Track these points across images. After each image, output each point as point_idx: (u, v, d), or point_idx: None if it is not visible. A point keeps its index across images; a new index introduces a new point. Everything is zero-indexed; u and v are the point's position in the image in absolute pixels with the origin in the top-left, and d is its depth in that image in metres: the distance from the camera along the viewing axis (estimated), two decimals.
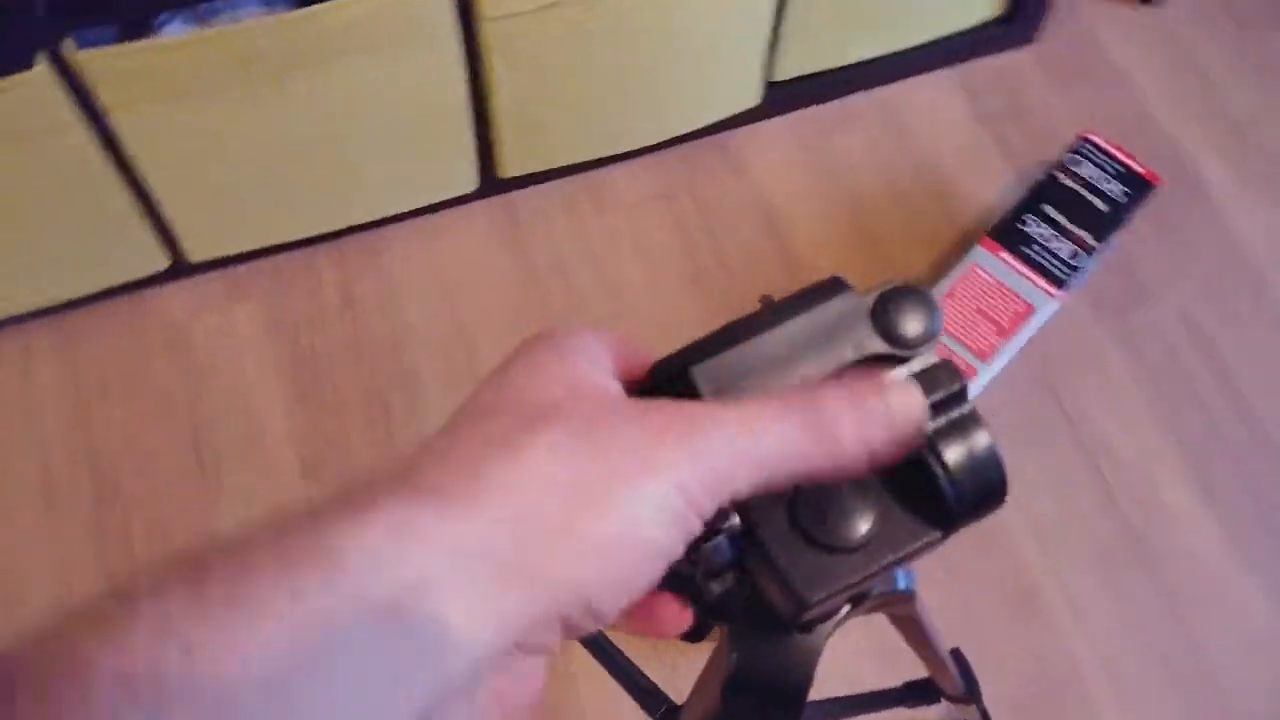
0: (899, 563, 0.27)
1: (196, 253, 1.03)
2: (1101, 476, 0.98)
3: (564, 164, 1.08)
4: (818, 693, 0.89)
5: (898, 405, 0.25)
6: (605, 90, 1.02)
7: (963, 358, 0.95)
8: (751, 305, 0.31)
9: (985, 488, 0.27)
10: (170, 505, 0.98)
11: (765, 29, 1.03)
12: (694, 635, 0.41)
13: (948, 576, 0.95)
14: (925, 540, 0.28)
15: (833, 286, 0.28)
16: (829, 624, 0.41)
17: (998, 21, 1.18)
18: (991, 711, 0.86)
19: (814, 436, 0.24)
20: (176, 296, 1.07)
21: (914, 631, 0.57)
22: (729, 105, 1.11)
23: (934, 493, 0.27)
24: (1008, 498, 0.29)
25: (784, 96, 1.14)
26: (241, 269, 1.08)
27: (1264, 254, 1.10)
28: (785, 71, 1.11)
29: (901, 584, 0.44)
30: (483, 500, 0.22)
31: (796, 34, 1.05)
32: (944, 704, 0.85)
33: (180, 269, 1.04)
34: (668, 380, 0.27)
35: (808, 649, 0.43)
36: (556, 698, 0.92)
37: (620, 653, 0.78)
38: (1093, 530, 0.96)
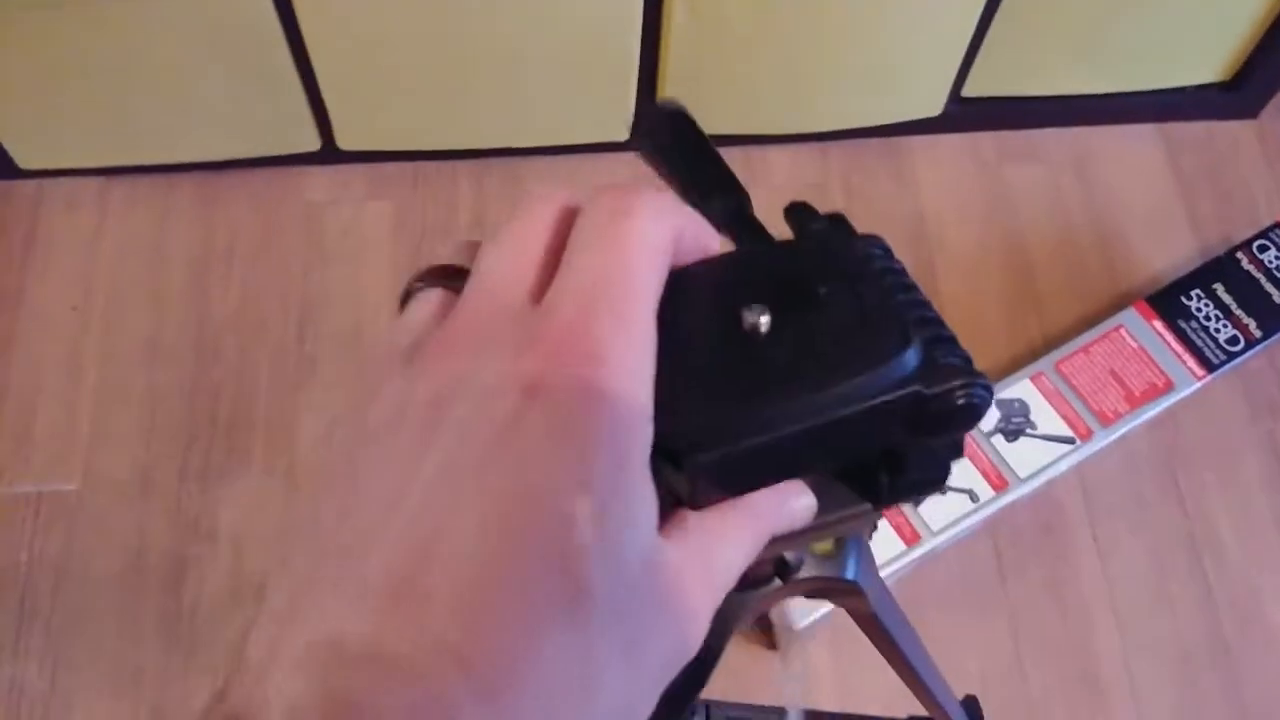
0: (824, 527, 0.28)
1: (346, 141, 1.07)
2: (1204, 575, 0.93)
3: (723, 132, 1.07)
4: (809, 702, 0.85)
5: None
6: (786, 62, 1.00)
7: (1080, 417, 0.90)
8: None
9: (924, 479, 0.28)
10: (262, 379, 1.02)
11: (966, 37, 1.00)
12: None
13: (1009, 627, 0.91)
14: (854, 510, 0.28)
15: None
16: (754, 594, 0.39)
17: (1220, 86, 1.11)
18: None
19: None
20: (318, 180, 1.11)
21: (882, 642, 0.53)
22: (909, 109, 1.09)
23: (869, 471, 0.28)
24: (947, 491, 0.28)
25: (969, 113, 1.11)
26: (386, 167, 1.12)
27: None
28: (976, 87, 1.08)
29: (849, 573, 0.41)
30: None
31: (998, 49, 1.02)
32: None
33: (328, 154, 1.09)
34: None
35: (723, 614, 0.40)
36: None
37: None
38: (1181, 627, 0.91)
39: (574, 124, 1.09)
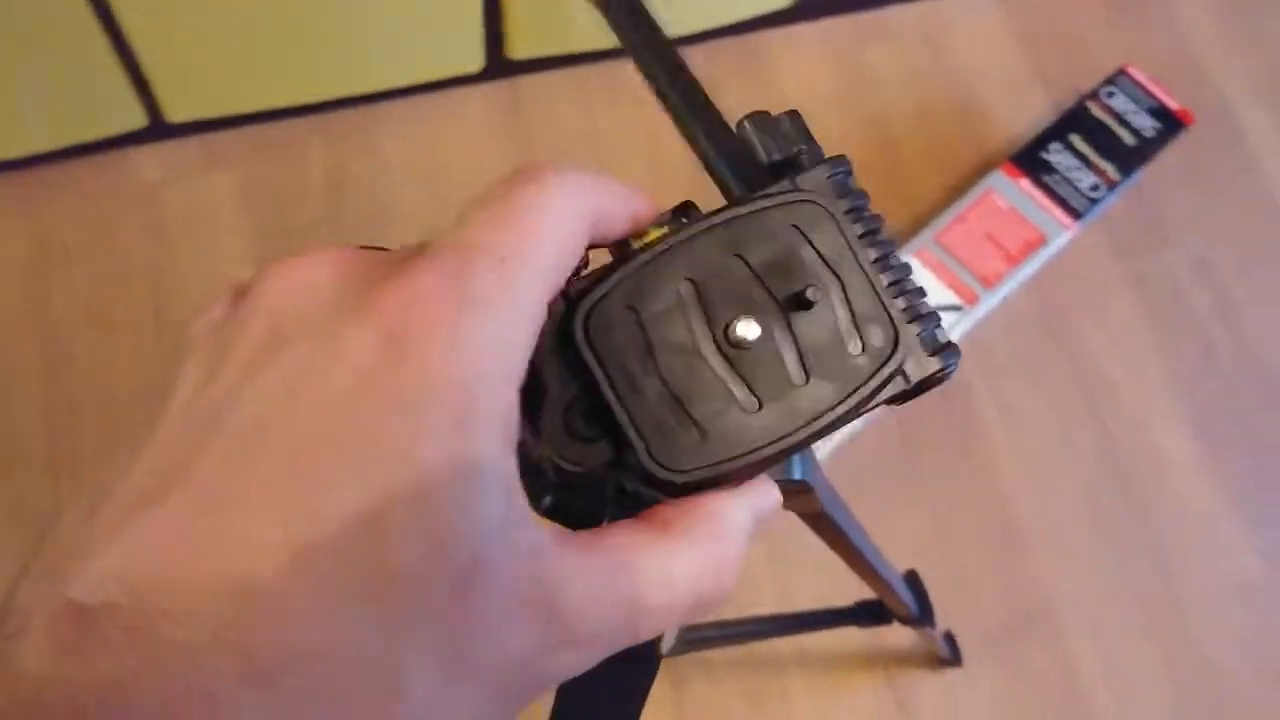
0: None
1: (176, 112, 1.05)
2: (1097, 415, 1.02)
3: (579, 50, 1.09)
4: (755, 609, 0.92)
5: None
6: None
7: (966, 283, 0.98)
8: None
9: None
10: (125, 381, 1.00)
11: None
12: (581, 524, 0.42)
13: (928, 500, 0.98)
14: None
15: None
16: None
17: None
18: (960, 639, 0.90)
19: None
20: (151, 158, 1.09)
21: (831, 535, 0.57)
22: (759, 3, 1.12)
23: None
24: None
25: (818, 1, 1.15)
26: (224, 135, 1.10)
27: None
28: None
29: (796, 473, 0.42)
30: None
31: None
32: (912, 632, 0.88)
33: (157, 129, 1.07)
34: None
35: None
36: None
37: None
38: (1083, 468, 1.00)
39: (424, 60, 1.09)
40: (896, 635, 0.92)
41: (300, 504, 0.20)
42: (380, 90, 1.11)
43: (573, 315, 0.28)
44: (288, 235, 1.08)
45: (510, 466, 0.22)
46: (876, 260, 0.30)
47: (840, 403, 0.28)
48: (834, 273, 0.29)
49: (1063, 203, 1.03)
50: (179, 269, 1.06)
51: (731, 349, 0.28)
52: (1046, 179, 1.04)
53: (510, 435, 0.22)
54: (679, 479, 0.27)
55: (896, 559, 0.71)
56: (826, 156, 0.31)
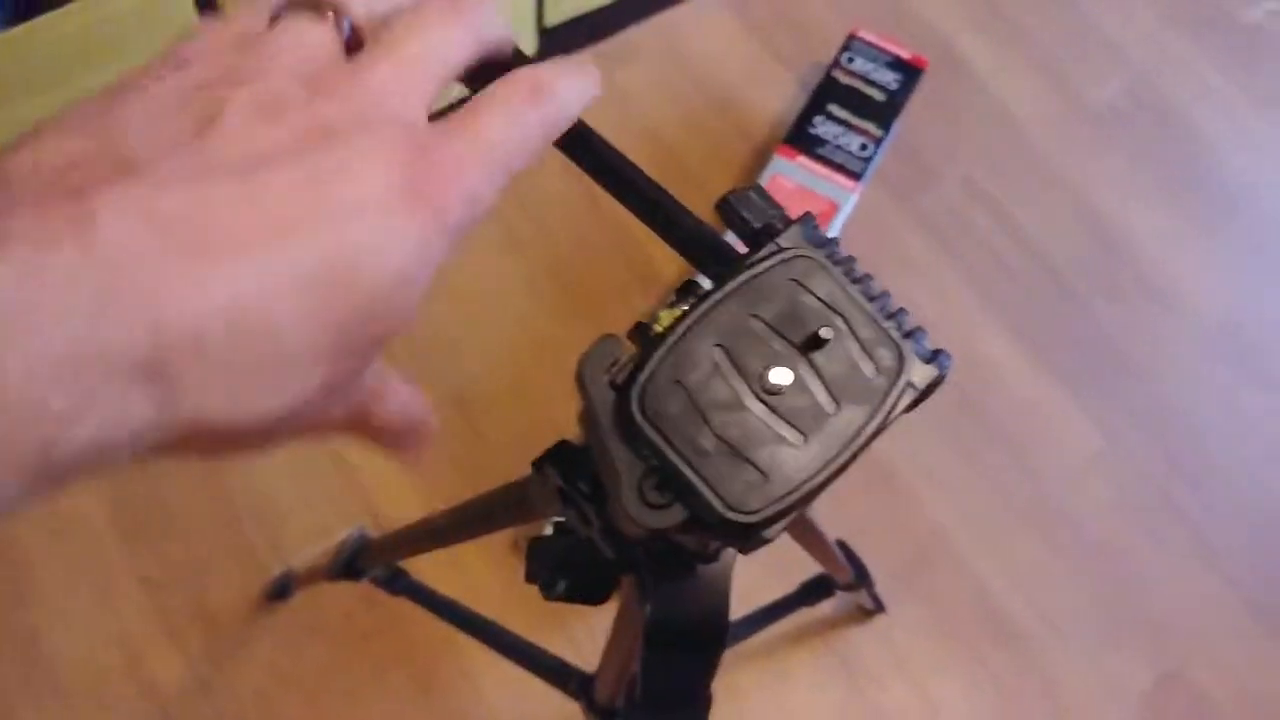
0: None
1: None
2: None
3: None
4: None
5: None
6: None
7: None
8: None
9: None
10: None
11: None
12: (596, 596, 0.45)
13: None
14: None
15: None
16: None
17: None
18: (875, 587, 0.97)
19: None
20: None
21: (799, 520, 0.62)
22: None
23: None
24: None
25: (560, 41, 1.20)
26: None
27: (1027, 114, 1.26)
28: (558, 15, 1.17)
29: None
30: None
31: None
32: (839, 596, 0.95)
33: None
34: None
35: (718, 575, 0.46)
36: (460, 701, 0.96)
37: (515, 635, 0.82)
38: (927, 406, 1.09)
39: None
40: (820, 607, 0.98)
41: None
42: None
43: (628, 400, 0.32)
44: None
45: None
46: (864, 293, 0.35)
47: (870, 420, 0.33)
48: (836, 311, 0.34)
49: (841, 168, 1.12)
50: None
51: (770, 396, 0.33)
52: (820, 151, 1.13)
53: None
54: (754, 518, 0.31)
55: None
56: (793, 217, 0.36)
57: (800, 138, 1.14)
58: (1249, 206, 1.25)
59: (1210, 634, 1.05)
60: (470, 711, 0.97)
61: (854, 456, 0.33)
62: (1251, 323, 1.19)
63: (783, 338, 0.33)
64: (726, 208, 0.36)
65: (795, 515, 0.33)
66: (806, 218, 0.36)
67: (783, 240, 0.35)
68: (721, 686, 0.99)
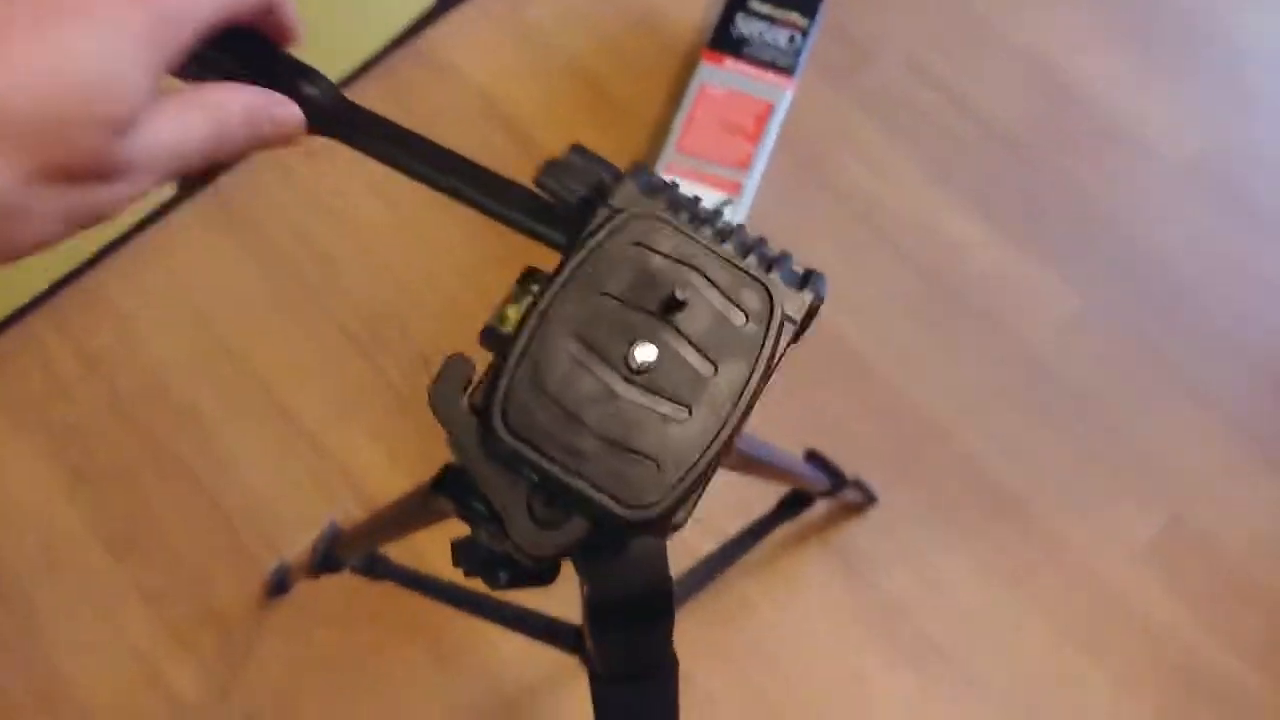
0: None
1: None
2: (886, 236, 1.10)
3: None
4: (692, 556, 0.95)
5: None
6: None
7: (723, 176, 1.03)
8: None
9: None
10: None
11: None
12: (543, 579, 0.45)
13: (783, 383, 1.04)
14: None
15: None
16: None
17: None
18: (866, 480, 0.98)
19: None
20: None
21: (739, 463, 0.61)
22: (409, 7, 1.14)
23: None
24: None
25: None
26: None
27: None
28: None
29: None
30: None
31: None
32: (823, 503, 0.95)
33: None
34: None
35: (652, 544, 0.45)
36: (476, 655, 0.97)
37: (500, 601, 0.81)
38: (895, 287, 1.09)
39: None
40: (815, 508, 0.98)
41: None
42: (96, 250, 1.07)
43: (490, 421, 0.30)
44: (77, 433, 1.05)
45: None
46: (715, 234, 0.33)
47: (753, 372, 0.32)
48: (688, 265, 0.32)
49: (771, 65, 1.10)
50: None
51: (640, 376, 0.31)
52: (747, 51, 1.11)
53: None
54: (657, 510, 0.30)
55: (776, 438, 0.77)
56: (621, 168, 0.34)
57: (724, 41, 1.12)
58: (1212, 42, 1.22)
59: (1212, 474, 1.05)
60: (488, 665, 0.98)
61: (746, 413, 0.32)
62: (1219, 155, 1.17)
63: (639, 309, 0.31)
64: (547, 181, 0.34)
65: (703, 487, 0.31)
66: (636, 168, 0.34)
67: (616, 200, 0.33)
68: (733, 601, 1.00)
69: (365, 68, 1.15)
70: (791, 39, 1.11)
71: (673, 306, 0.31)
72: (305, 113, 0.33)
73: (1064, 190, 1.15)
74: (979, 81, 1.19)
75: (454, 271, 1.10)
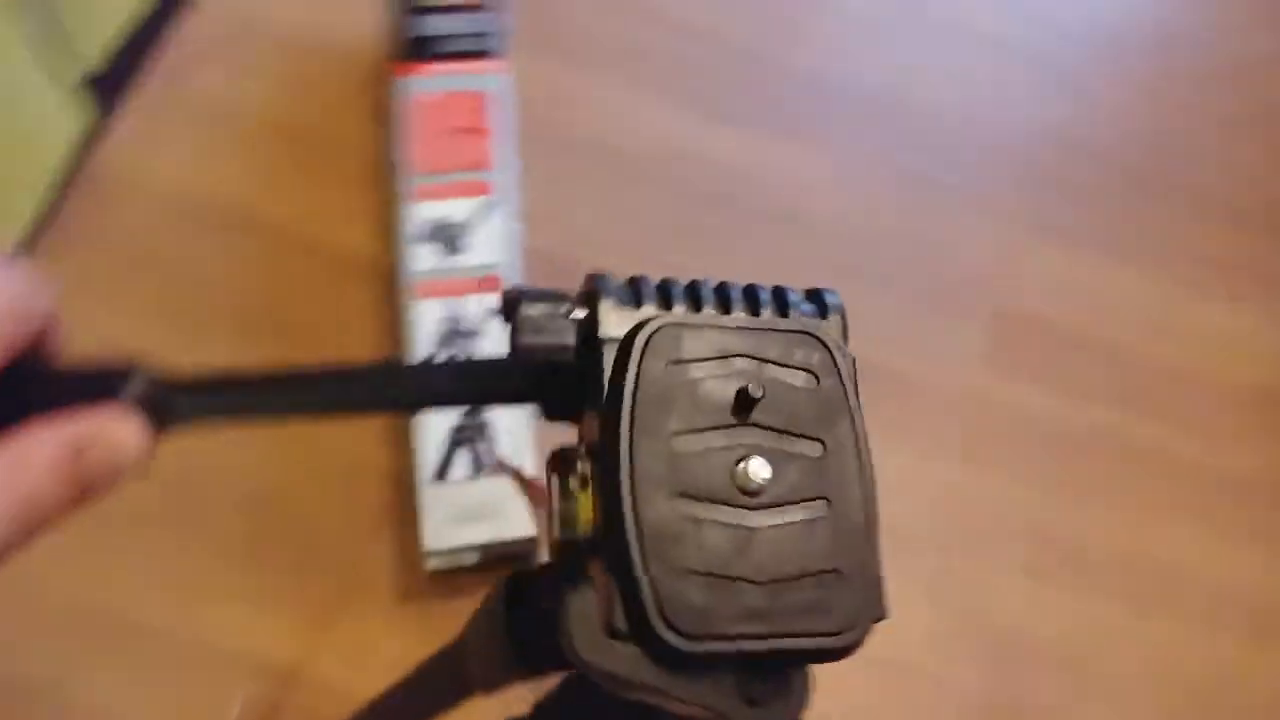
0: None
1: None
2: (643, 172, 1.09)
3: None
4: None
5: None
6: None
7: (469, 181, 0.99)
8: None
9: None
10: None
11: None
12: None
13: None
14: None
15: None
16: None
17: None
18: None
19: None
20: None
21: None
22: (56, 138, 1.02)
23: None
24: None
25: (108, 88, 1.06)
26: None
27: None
28: (92, 50, 1.04)
29: None
30: None
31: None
32: None
33: None
34: None
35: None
36: None
37: None
38: (661, 218, 1.08)
39: None
40: None
41: None
42: None
43: (658, 637, 0.26)
44: None
45: None
46: (737, 311, 0.30)
47: (854, 422, 0.30)
48: (731, 355, 0.29)
49: (473, 55, 1.04)
50: None
51: (759, 495, 0.28)
52: (438, 48, 1.04)
53: None
54: (866, 620, 0.29)
55: None
56: (578, 289, 0.30)
57: (410, 47, 1.05)
58: None
59: (1019, 265, 1.12)
60: None
61: (869, 459, 0.30)
62: None
63: (714, 429, 0.28)
64: (521, 352, 0.30)
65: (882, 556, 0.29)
66: (597, 281, 0.30)
67: (606, 328, 0.29)
68: None
69: (39, 229, 1.03)
70: (478, 22, 1.06)
71: (748, 405, 0.28)
72: (146, 419, 0.27)
73: (775, 69, 1.17)
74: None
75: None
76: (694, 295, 0.30)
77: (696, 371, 0.28)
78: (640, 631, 0.26)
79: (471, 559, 0.91)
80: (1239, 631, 1.03)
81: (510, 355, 0.30)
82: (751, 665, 0.27)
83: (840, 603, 0.27)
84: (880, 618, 0.28)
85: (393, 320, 1.01)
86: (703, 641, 0.26)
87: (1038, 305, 1.12)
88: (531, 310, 0.30)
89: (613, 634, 0.26)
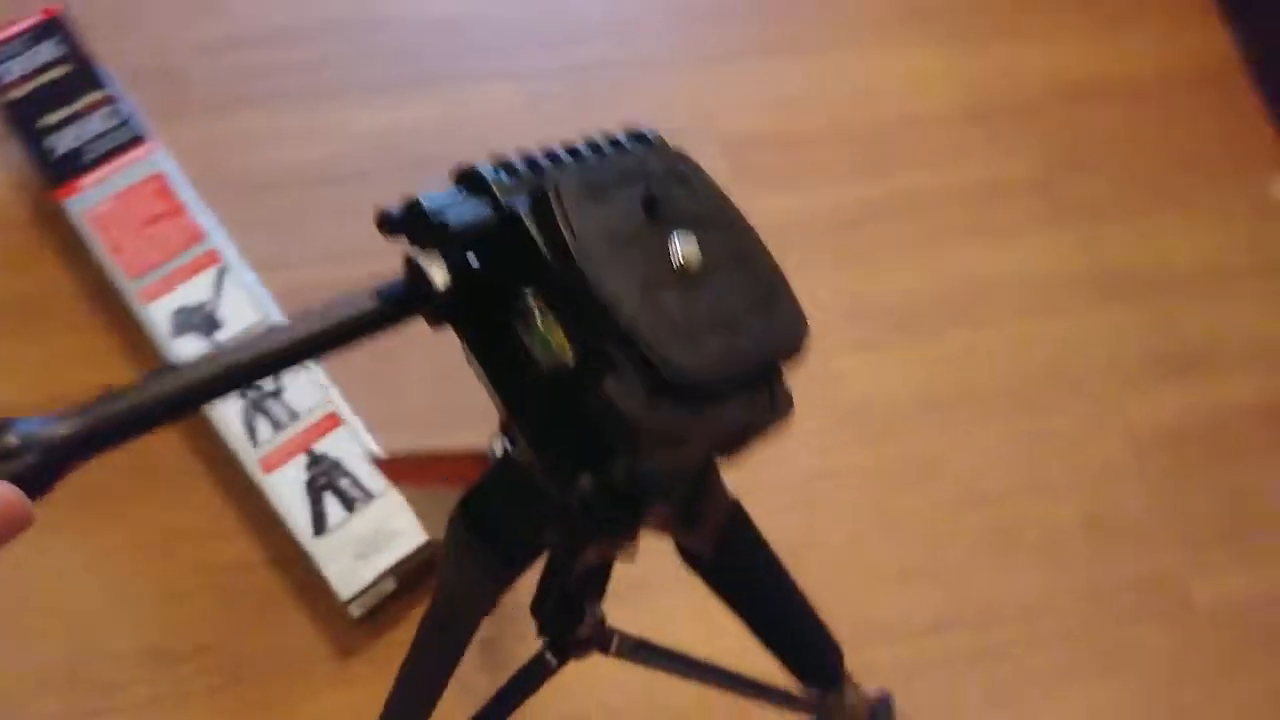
0: None
1: None
2: (337, 179, 1.11)
3: None
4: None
5: None
6: None
7: (191, 261, 0.97)
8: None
9: None
10: None
11: None
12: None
13: None
14: None
15: None
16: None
17: None
18: None
19: None
20: None
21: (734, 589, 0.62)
22: None
23: None
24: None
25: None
26: None
27: None
28: None
29: None
30: None
31: None
32: None
33: None
34: None
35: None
36: None
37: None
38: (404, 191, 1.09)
39: None
40: None
41: None
42: None
43: (683, 378, 0.34)
44: None
45: None
46: (571, 154, 0.39)
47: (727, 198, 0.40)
48: (616, 184, 0.37)
49: (121, 148, 1.00)
50: None
51: (697, 262, 0.36)
52: (89, 159, 0.99)
53: None
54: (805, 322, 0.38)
55: None
56: (453, 171, 0.38)
57: (55, 168, 0.99)
58: None
59: (721, 93, 1.18)
60: None
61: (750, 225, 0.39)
62: None
63: (640, 237, 0.35)
64: (455, 233, 0.36)
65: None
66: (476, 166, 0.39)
67: (506, 201, 0.37)
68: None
69: None
70: (110, 114, 1.01)
71: (653, 207, 0.36)
72: (19, 481, 0.28)
73: (383, 28, 1.20)
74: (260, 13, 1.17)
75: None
76: (553, 156, 0.38)
77: (602, 203, 0.35)
78: (672, 380, 0.33)
79: (390, 586, 0.90)
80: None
81: (443, 239, 0.35)
82: (751, 381, 0.35)
83: (783, 318, 0.37)
84: (807, 324, 0.37)
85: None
86: (717, 368, 0.34)
87: (754, 124, 1.19)
88: (437, 203, 0.36)
89: (655, 390, 0.33)
